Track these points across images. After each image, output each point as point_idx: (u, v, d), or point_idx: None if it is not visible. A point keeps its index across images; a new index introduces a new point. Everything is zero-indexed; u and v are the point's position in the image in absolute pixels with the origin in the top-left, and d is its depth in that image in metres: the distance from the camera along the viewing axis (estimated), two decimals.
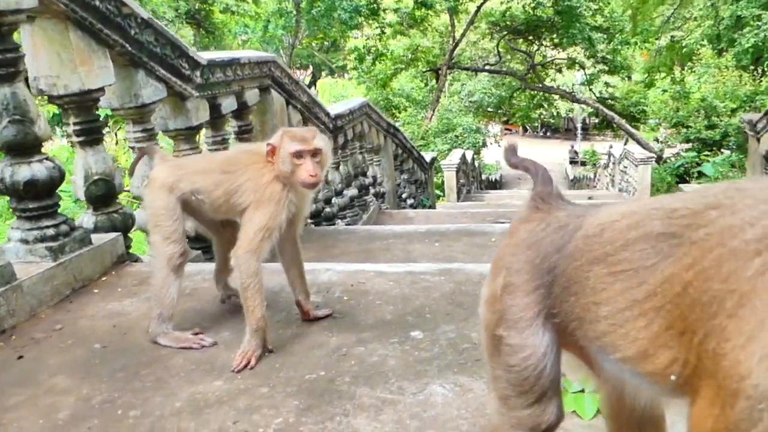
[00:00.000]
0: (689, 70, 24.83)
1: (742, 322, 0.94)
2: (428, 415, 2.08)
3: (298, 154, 2.58)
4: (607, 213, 1.33)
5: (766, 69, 20.17)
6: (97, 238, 3.54)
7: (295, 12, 22.30)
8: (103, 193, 3.74)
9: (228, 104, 4.72)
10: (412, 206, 11.40)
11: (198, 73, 4.22)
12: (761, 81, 20.22)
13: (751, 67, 20.67)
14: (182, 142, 4.36)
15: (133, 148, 4.08)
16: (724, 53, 21.68)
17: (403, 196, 11.16)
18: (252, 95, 5.07)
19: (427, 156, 13.66)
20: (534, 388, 1.37)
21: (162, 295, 2.71)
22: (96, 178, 3.70)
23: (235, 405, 2.19)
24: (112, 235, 3.65)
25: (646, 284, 1.15)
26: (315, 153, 2.61)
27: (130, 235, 3.94)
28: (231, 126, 5.10)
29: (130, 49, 3.66)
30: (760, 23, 18.20)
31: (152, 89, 3.88)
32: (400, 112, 27.09)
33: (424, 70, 29.37)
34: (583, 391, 2.12)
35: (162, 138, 4.93)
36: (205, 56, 4.38)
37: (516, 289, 1.40)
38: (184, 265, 2.78)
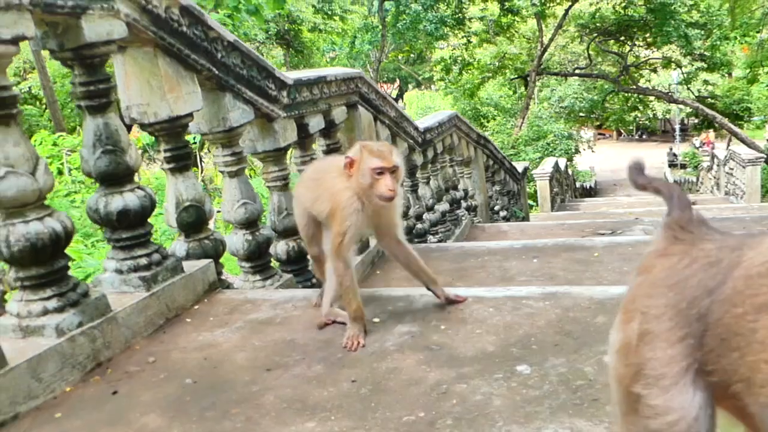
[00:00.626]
0: None
1: None
2: None
3: (379, 170, 2.73)
4: None
5: None
6: (189, 266, 3.50)
7: (380, 26, 22.42)
8: (194, 220, 3.70)
9: (315, 123, 4.63)
10: (505, 218, 11.07)
11: (285, 93, 4.15)
12: None
13: None
14: (271, 164, 4.30)
15: (222, 172, 4.05)
16: None
17: (496, 208, 10.84)
18: (339, 113, 4.96)
19: (519, 166, 13.28)
20: None
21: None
22: (187, 204, 3.67)
23: None
24: (204, 262, 3.60)
25: None
26: (393, 169, 2.76)
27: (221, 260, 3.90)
28: (319, 145, 5.02)
29: (217, 72, 3.62)
30: None
31: (240, 112, 3.83)
32: (488, 122, 26.72)
33: (512, 77, 28.86)
34: None
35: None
36: (291, 76, 4.31)
37: (656, 338, 1.16)
38: (324, 265, 3.18)
